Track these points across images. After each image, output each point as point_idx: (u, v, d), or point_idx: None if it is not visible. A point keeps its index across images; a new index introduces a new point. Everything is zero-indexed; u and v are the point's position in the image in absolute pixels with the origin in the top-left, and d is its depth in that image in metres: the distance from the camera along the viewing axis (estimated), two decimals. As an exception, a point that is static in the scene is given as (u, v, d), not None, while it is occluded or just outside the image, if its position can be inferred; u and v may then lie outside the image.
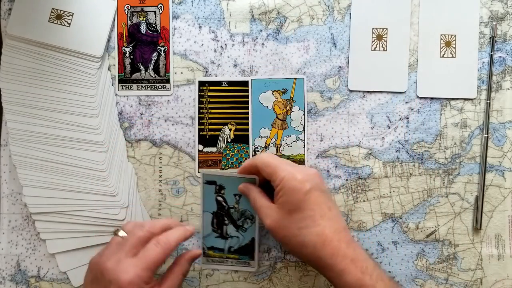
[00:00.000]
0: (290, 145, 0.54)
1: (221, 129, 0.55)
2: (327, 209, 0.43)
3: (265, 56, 0.55)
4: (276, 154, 0.54)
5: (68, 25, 0.53)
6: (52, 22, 0.53)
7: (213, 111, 0.55)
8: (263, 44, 0.55)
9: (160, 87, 0.55)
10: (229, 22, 0.55)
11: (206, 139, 0.55)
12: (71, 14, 0.54)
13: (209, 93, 0.55)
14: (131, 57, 0.55)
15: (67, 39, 0.53)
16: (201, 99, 0.55)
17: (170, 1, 0.55)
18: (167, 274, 0.46)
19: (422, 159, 0.54)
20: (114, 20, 0.55)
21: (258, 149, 0.54)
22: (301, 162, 0.54)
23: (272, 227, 0.44)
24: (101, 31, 0.54)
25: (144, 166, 0.55)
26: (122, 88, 0.55)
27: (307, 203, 0.42)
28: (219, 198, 0.52)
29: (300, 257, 0.46)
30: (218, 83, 0.55)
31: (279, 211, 0.43)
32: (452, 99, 0.54)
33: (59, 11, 0.54)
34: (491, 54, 0.54)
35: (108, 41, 0.55)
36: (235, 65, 0.55)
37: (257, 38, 0.55)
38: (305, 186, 0.43)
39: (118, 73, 0.55)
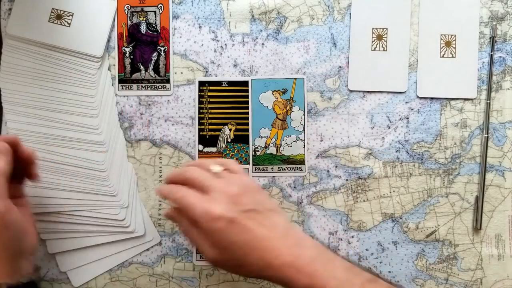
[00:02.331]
0: (290, 145, 0.54)
1: (221, 129, 0.55)
2: None
3: (265, 56, 0.55)
4: (276, 154, 0.54)
5: (68, 25, 0.53)
6: (52, 22, 0.53)
7: (213, 111, 0.55)
8: (263, 44, 0.55)
9: (160, 87, 0.55)
10: (229, 22, 0.55)
11: (206, 139, 0.55)
12: (71, 14, 0.54)
13: (209, 93, 0.55)
14: (131, 57, 0.55)
15: (67, 39, 0.53)
16: (201, 99, 0.55)
17: (170, 1, 0.55)
18: None
19: (422, 159, 0.54)
20: (114, 20, 0.55)
21: (258, 149, 0.54)
22: (301, 162, 0.54)
23: (214, 263, 0.41)
24: (101, 31, 0.54)
25: (144, 166, 0.55)
26: (122, 88, 0.55)
27: (231, 237, 0.39)
28: None
29: (259, 278, 0.42)
30: (218, 83, 0.55)
31: (213, 250, 0.40)
32: (452, 99, 0.54)
33: (59, 11, 0.54)
34: (491, 54, 0.54)
35: (108, 41, 0.55)
36: (235, 65, 0.55)
37: (257, 38, 0.55)
38: (216, 225, 0.38)
39: (118, 73, 0.55)
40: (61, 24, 0.54)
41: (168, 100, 0.55)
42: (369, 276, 0.39)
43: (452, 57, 0.54)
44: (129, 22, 0.55)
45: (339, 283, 0.37)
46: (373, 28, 0.54)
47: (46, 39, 0.53)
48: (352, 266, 0.40)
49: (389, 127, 0.54)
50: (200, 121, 0.55)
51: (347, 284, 0.37)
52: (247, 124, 0.55)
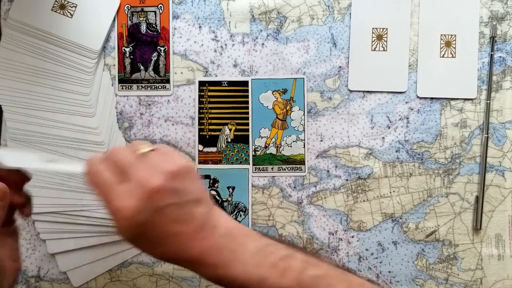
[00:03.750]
0: (290, 145, 0.54)
1: (221, 129, 0.55)
2: None
3: (265, 56, 0.55)
4: (276, 154, 0.54)
5: (70, 16, 0.54)
6: (55, 11, 0.53)
7: (213, 111, 0.55)
8: (263, 44, 0.55)
9: (160, 87, 0.55)
10: (229, 22, 0.55)
11: (206, 139, 0.55)
12: (75, 5, 0.54)
13: (209, 93, 0.55)
14: (131, 57, 0.55)
15: (68, 29, 0.53)
16: (201, 99, 0.55)
17: (170, 1, 0.55)
18: None
19: (422, 159, 0.54)
20: (115, 17, 0.55)
21: (258, 149, 0.54)
22: (301, 162, 0.54)
23: None
24: (102, 26, 0.54)
25: (144, 166, 0.55)
26: (122, 88, 0.55)
27: (138, 235, 0.35)
28: (213, 192, 0.52)
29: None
30: (218, 83, 0.55)
31: None
32: (452, 99, 0.54)
33: (63, 1, 0.54)
34: (491, 54, 0.54)
35: (108, 40, 0.55)
36: (235, 65, 0.55)
37: (257, 38, 0.55)
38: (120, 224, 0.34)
39: (118, 73, 0.55)
40: (64, 14, 0.54)
41: (168, 100, 0.55)
42: (284, 252, 0.36)
43: (452, 57, 0.54)
44: (129, 22, 0.55)
45: (244, 269, 0.34)
46: (373, 28, 0.54)
47: (46, 27, 0.53)
48: (267, 245, 0.37)
49: (389, 127, 0.54)
50: (200, 121, 0.55)
51: (254, 268, 0.35)
52: (247, 124, 0.55)
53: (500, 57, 0.54)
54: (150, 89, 0.55)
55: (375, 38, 0.54)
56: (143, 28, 0.55)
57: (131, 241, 0.35)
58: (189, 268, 0.35)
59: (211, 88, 0.55)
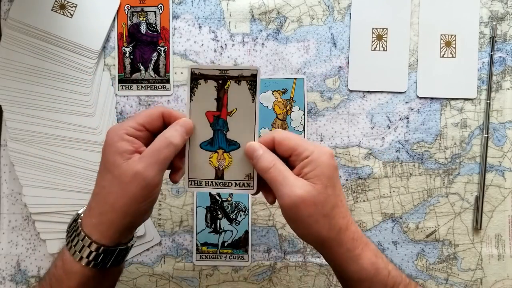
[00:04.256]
0: (290, 145, 0.54)
1: (221, 129, 0.55)
2: None
3: (265, 56, 0.55)
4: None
5: (70, 16, 0.54)
6: (55, 11, 0.53)
7: (213, 111, 0.55)
8: (263, 44, 0.55)
9: (160, 87, 0.55)
10: (229, 22, 0.55)
11: (206, 139, 0.55)
12: (75, 5, 0.54)
13: (209, 93, 0.55)
14: (131, 57, 0.55)
15: (68, 30, 0.53)
16: (201, 99, 0.55)
17: (170, 1, 0.55)
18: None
19: (422, 159, 0.54)
20: (115, 17, 0.55)
21: (258, 149, 0.54)
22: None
23: (302, 201, 0.36)
24: (102, 26, 0.54)
25: (144, 166, 0.55)
26: (122, 88, 0.55)
27: (338, 180, 0.38)
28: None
29: (318, 240, 0.38)
30: (218, 83, 0.55)
31: (313, 185, 0.37)
32: (452, 99, 0.54)
33: (63, 1, 0.54)
34: (491, 54, 0.54)
35: (108, 40, 0.55)
36: (235, 65, 0.55)
37: (257, 38, 0.55)
38: (335, 162, 0.38)
39: (118, 73, 0.55)
40: (64, 15, 0.54)
41: (168, 100, 0.55)
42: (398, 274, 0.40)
43: (452, 57, 0.54)
44: (129, 22, 0.55)
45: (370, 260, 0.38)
46: (373, 28, 0.54)
47: (46, 27, 0.53)
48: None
49: (389, 127, 0.54)
50: (200, 121, 0.55)
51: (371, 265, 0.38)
52: (247, 124, 0.55)
53: (500, 57, 0.54)
54: (150, 89, 0.55)
55: (375, 38, 0.54)
56: (143, 28, 0.55)
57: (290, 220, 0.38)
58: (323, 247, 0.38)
59: (211, 88, 0.55)
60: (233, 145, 0.40)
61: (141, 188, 0.36)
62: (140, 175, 0.35)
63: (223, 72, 0.39)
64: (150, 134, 0.39)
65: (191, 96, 0.39)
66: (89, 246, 0.36)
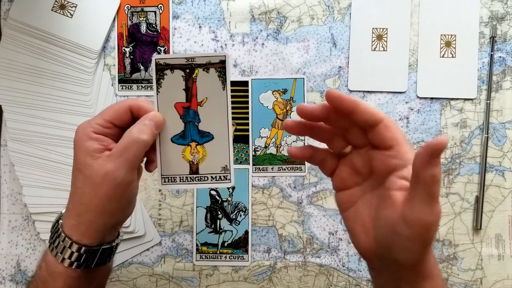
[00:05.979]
0: (290, 145, 0.54)
1: (221, 129, 0.55)
2: None
3: (265, 56, 0.55)
4: (276, 154, 0.54)
5: (70, 16, 0.54)
6: (55, 11, 0.54)
7: (213, 111, 0.55)
8: (263, 44, 0.55)
9: (160, 87, 0.55)
10: (229, 22, 0.55)
11: (206, 139, 0.55)
12: (75, 5, 0.54)
13: (209, 93, 0.55)
14: (131, 57, 0.55)
15: (68, 29, 0.53)
16: (201, 99, 0.55)
17: (170, 1, 0.55)
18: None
19: (422, 159, 0.54)
20: (115, 17, 0.55)
21: (258, 149, 0.54)
22: (301, 162, 0.54)
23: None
24: (102, 26, 0.54)
25: (144, 166, 0.55)
26: (122, 88, 0.55)
27: None
28: (213, 192, 0.52)
29: (406, 261, 0.32)
30: (218, 83, 0.55)
31: None
32: (452, 99, 0.54)
33: (63, 1, 0.54)
34: (491, 54, 0.54)
35: (108, 40, 0.55)
36: (235, 65, 0.55)
37: (257, 38, 0.55)
38: None
39: (118, 73, 0.55)
40: (64, 15, 0.54)
41: (168, 100, 0.55)
42: None
43: (452, 57, 0.54)
44: (129, 22, 0.55)
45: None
46: (373, 28, 0.54)
47: (47, 27, 0.53)
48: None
49: (389, 127, 0.54)
50: (200, 121, 0.55)
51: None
52: (247, 124, 0.55)
53: (500, 57, 0.54)
54: (150, 89, 0.55)
55: (375, 38, 0.54)
56: (143, 28, 0.55)
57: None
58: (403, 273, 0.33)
59: (211, 88, 0.55)
60: (206, 137, 0.38)
61: (113, 187, 0.35)
62: (110, 175, 0.35)
63: (190, 60, 0.37)
64: (119, 129, 0.37)
65: (157, 88, 0.38)
66: (70, 247, 0.36)
